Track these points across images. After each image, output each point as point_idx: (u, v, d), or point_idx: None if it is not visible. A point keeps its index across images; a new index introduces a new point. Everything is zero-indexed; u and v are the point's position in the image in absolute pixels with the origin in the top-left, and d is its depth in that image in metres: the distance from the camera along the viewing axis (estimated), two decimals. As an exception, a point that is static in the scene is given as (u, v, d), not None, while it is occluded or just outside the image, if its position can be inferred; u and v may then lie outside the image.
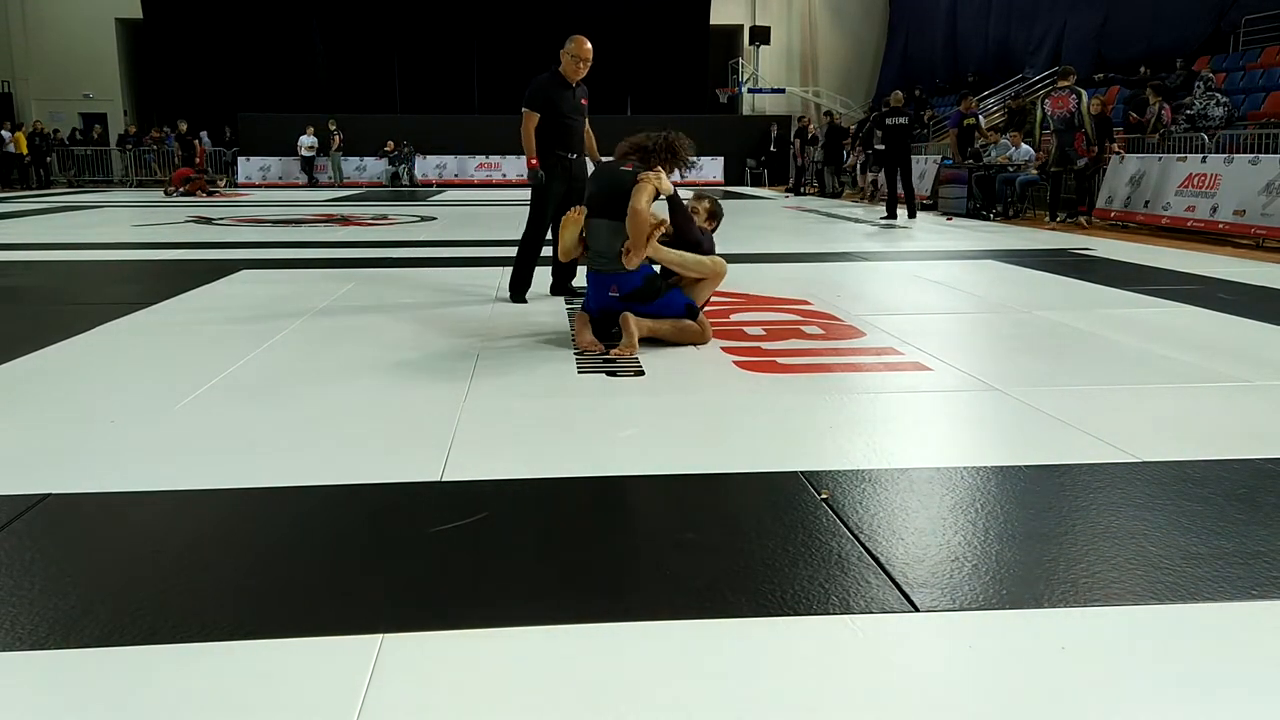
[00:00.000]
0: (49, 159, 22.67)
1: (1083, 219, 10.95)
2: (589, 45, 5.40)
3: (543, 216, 5.57)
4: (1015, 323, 4.97)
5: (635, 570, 2.04)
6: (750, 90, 26.73)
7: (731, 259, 5.00)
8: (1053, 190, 11.33)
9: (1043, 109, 10.99)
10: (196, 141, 21.03)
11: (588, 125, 5.62)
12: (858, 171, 17.26)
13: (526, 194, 6.15)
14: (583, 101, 5.53)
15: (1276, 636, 1.76)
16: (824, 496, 2.43)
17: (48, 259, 8.08)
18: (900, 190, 12.00)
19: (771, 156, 23.57)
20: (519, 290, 5.62)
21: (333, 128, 22.67)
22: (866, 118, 17.03)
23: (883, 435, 3.03)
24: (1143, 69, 11.14)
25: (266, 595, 1.92)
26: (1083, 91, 10.96)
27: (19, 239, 9.84)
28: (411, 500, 2.45)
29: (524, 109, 5.40)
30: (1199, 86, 11.51)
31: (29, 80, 25.79)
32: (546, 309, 5.36)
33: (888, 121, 11.82)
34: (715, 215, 4.91)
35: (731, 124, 25.76)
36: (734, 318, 5.07)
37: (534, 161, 5.44)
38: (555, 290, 5.77)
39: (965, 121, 13.87)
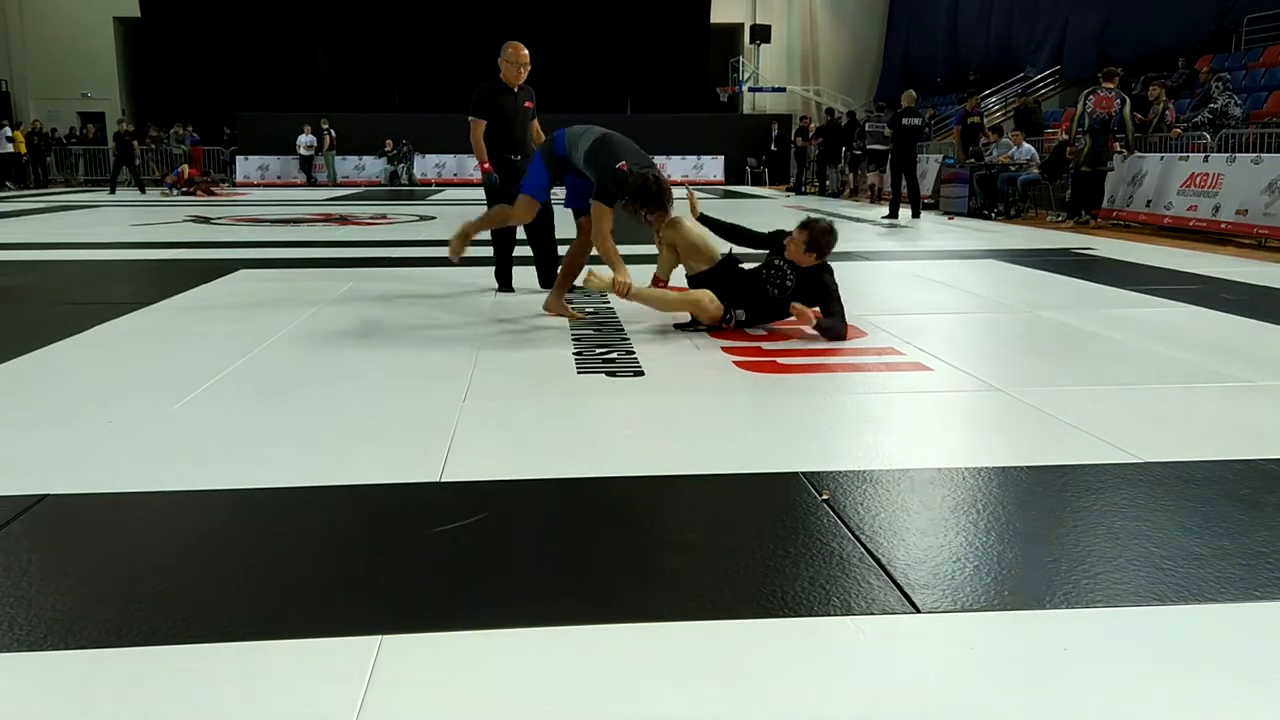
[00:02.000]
0: (48, 159, 22.63)
1: (1091, 220, 10.93)
2: (525, 51, 5.66)
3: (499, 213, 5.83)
4: (1017, 322, 4.97)
5: (635, 570, 2.03)
6: (751, 89, 26.72)
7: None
8: (1074, 190, 11.23)
9: (1084, 105, 10.88)
10: (136, 143, 19.94)
11: (536, 126, 5.86)
12: (845, 170, 17.50)
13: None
14: (526, 105, 5.75)
15: (1277, 636, 1.75)
16: (824, 497, 2.42)
17: (47, 259, 8.07)
18: (905, 190, 12.00)
19: (772, 156, 23.56)
20: (503, 280, 5.99)
21: (325, 126, 22.63)
22: (855, 119, 17.34)
23: (883, 435, 3.03)
24: (1099, 73, 11.07)
25: (266, 595, 1.92)
26: (1126, 96, 10.92)
27: (18, 239, 9.84)
28: (411, 500, 2.44)
29: (470, 117, 5.62)
30: (1217, 85, 11.47)
31: (27, 79, 25.78)
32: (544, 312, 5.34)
33: (904, 121, 11.84)
34: (815, 247, 4.50)
35: (732, 123, 25.75)
36: (734, 317, 5.05)
37: (486, 166, 5.71)
38: (543, 283, 5.88)
39: (969, 120, 13.90)
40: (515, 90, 5.68)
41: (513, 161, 5.67)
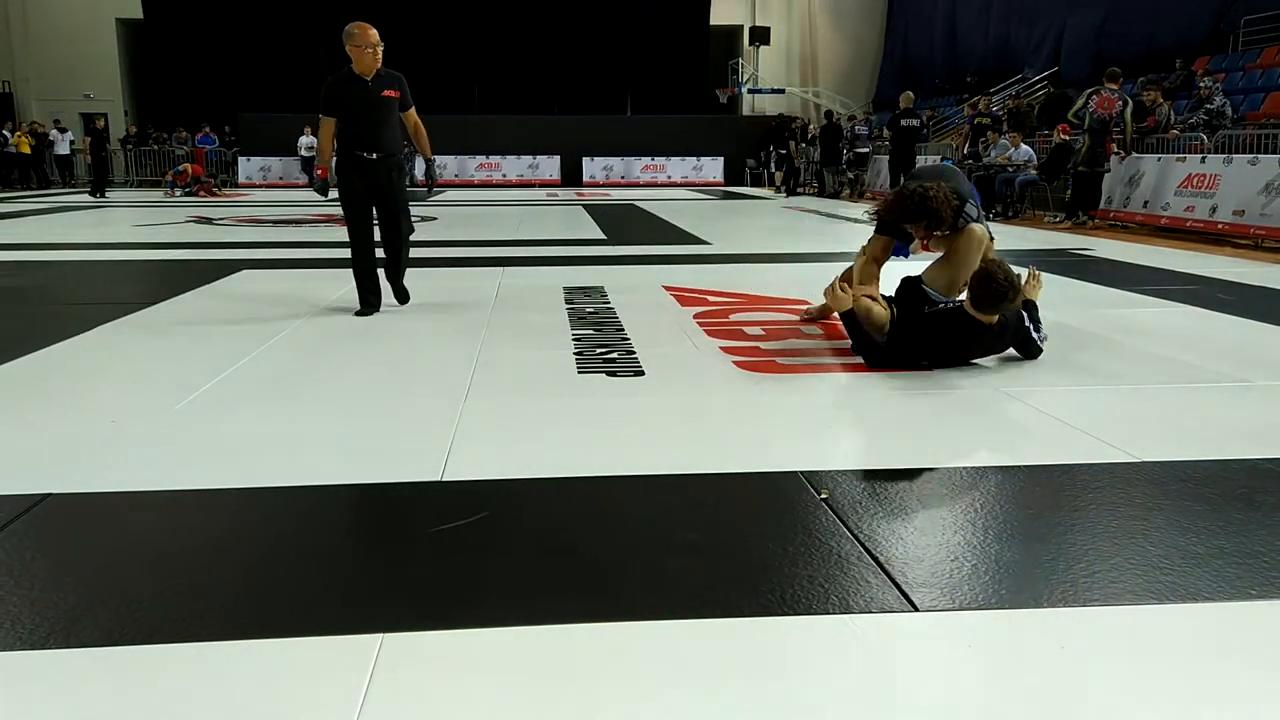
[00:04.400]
0: (67, 156, 22.53)
1: (1089, 221, 10.94)
2: (373, 31, 4.92)
3: (351, 222, 5.10)
4: (1015, 323, 4.97)
5: (635, 570, 2.04)
6: (750, 90, 26.73)
7: (732, 259, 5.01)
8: (1074, 190, 11.22)
9: (1087, 104, 10.92)
10: (96, 142, 18.53)
11: (414, 118, 5.22)
12: (844, 169, 18.19)
13: (528, 194, 6.13)
14: (386, 94, 5.01)
15: (1277, 636, 1.76)
16: (824, 496, 2.43)
17: (48, 259, 8.08)
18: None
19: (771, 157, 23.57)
20: (364, 301, 5.17)
21: None
22: (833, 122, 18.36)
23: (883, 435, 3.03)
24: (1105, 74, 11.11)
25: (266, 595, 1.93)
26: (1129, 99, 10.94)
27: (19, 239, 9.84)
28: (411, 500, 2.45)
29: (320, 115, 5.04)
30: (1216, 86, 11.50)
31: (29, 80, 25.78)
32: (545, 310, 5.36)
33: (902, 123, 11.89)
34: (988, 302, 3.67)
35: (731, 124, 25.76)
36: (734, 318, 5.07)
37: (322, 171, 5.09)
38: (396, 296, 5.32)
39: (978, 120, 13.99)
40: (368, 80, 4.95)
41: (365, 160, 4.98)
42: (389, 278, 5.30)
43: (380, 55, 4.95)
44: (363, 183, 5.03)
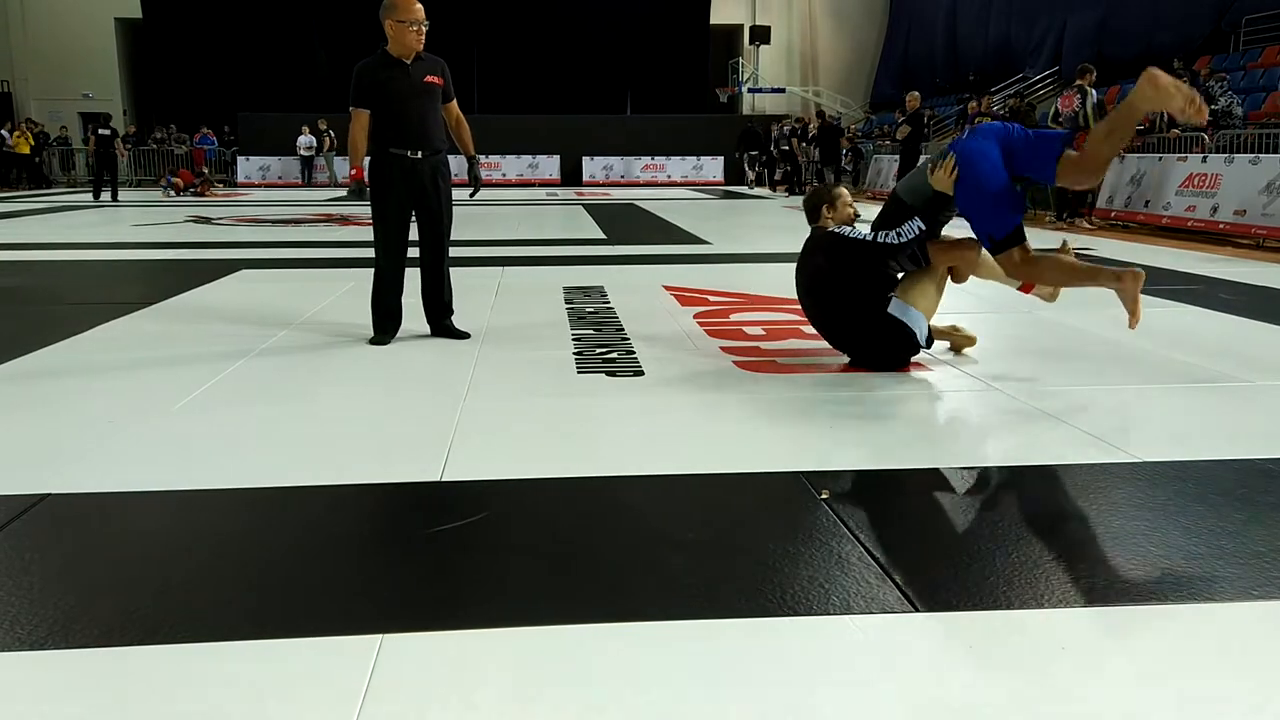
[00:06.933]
0: (39, 159, 22.46)
1: (1085, 221, 10.94)
2: (420, 5, 4.16)
3: (384, 236, 4.39)
4: (1015, 323, 4.97)
5: (635, 570, 2.04)
6: (750, 90, 26.75)
7: (732, 259, 5.01)
8: (1059, 189, 11.28)
9: (1057, 105, 11.09)
10: (119, 141, 17.93)
11: (457, 110, 4.48)
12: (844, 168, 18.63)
13: (527, 193, 6.10)
14: (429, 80, 4.25)
15: (1277, 636, 1.75)
16: (824, 496, 2.43)
17: (48, 259, 8.08)
18: None
19: (772, 157, 23.58)
20: (380, 329, 4.44)
21: (324, 128, 22.59)
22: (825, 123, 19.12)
23: (883, 435, 3.03)
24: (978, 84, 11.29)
25: (266, 595, 1.93)
26: (1090, 90, 10.96)
27: (19, 239, 9.84)
28: (411, 500, 2.45)
29: (351, 108, 4.23)
30: (1224, 85, 11.52)
31: (29, 80, 25.80)
32: (545, 309, 5.35)
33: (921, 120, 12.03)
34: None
35: (731, 124, 25.76)
36: (734, 318, 5.07)
37: (356, 171, 4.27)
38: (433, 329, 4.57)
39: (977, 120, 14.04)
40: (409, 62, 4.20)
41: (408, 160, 4.22)
42: (434, 313, 4.53)
43: (422, 38, 4.18)
44: (405, 188, 4.27)
